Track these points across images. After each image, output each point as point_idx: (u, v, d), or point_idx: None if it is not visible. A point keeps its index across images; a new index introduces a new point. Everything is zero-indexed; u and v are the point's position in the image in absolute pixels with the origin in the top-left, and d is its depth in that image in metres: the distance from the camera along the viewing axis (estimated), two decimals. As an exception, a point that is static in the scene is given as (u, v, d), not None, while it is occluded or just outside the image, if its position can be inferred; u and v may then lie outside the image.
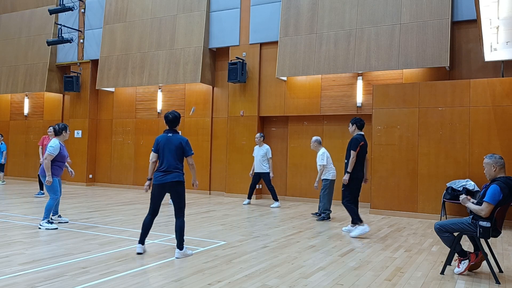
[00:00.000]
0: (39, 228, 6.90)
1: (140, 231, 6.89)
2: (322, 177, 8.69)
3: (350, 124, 7.34)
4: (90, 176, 14.78)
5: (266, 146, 10.60)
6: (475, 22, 9.28)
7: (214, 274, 4.67)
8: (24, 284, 4.13)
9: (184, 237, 5.44)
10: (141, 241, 5.48)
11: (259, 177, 10.56)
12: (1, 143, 13.73)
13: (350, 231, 7.18)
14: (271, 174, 10.46)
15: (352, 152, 6.99)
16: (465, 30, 9.85)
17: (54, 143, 6.99)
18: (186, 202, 10.74)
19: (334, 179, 8.78)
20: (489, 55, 8.84)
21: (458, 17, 9.77)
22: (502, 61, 9.25)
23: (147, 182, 5.59)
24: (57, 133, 7.18)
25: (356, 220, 7.02)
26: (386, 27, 10.17)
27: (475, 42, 9.67)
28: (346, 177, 7.01)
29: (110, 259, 5.14)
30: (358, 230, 6.94)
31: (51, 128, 10.66)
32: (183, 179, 5.41)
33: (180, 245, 5.34)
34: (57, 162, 7.06)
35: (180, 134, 5.60)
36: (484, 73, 9.58)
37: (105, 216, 8.39)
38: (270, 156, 10.54)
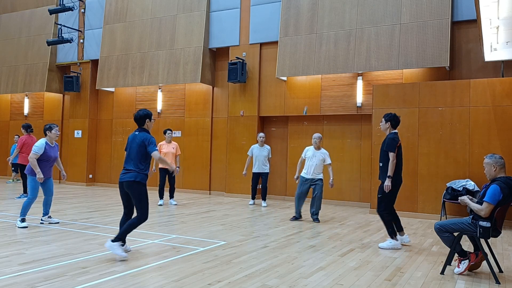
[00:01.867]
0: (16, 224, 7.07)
1: (140, 231, 6.92)
2: (319, 177, 8.44)
3: (384, 121, 6.39)
4: (90, 176, 14.78)
5: (268, 147, 10.63)
6: (475, 22, 9.28)
7: (214, 274, 4.67)
8: (24, 284, 4.13)
9: (128, 236, 5.37)
10: (116, 239, 5.20)
11: (259, 176, 10.56)
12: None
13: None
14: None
15: (391, 154, 6.14)
16: (465, 30, 9.85)
17: (39, 143, 7.11)
18: (186, 202, 10.81)
19: None
20: (489, 55, 8.84)
21: (458, 17, 9.77)
22: (502, 61, 9.25)
23: None
24: (44, 133, 7.32)
25: (390, 232, 6.26)
26: (386, 27, 10.16)
27: (475, 42, 9.67)
28: (388, 182, 6.15)
29: (110, 259, 5.14)
30: (389, 243, 6.22)
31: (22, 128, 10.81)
32: (140, 179, 5.21)
33: (117, 237, 5.16)
34: (42, 161, 7.08)
35: (147, 132, 5.40)
36: (484, 73, 9.58)
37: (105, 216, 8.38)
38: (270, 156, 10.66)
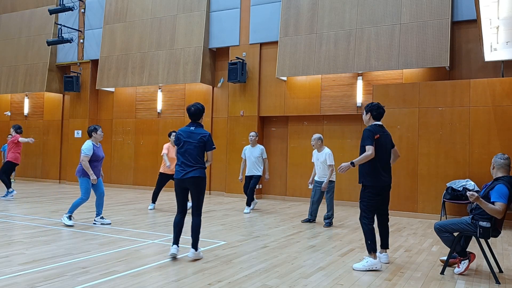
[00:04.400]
0: (61, 220, 7.29)
1: (140, 231, 6.92)
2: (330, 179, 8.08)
3: (364, 112, 5.43)
4: (90, 176, 14.75)
5: (260, 147, 9.53)
6: (475, 22, 9.28)
7: (214, 274, 4.67)
8: (24, 284, 4.13)
9: (199, 237, 5.34)
10: (176, 242, 5.32)
11: (251, 179, 9.42)
12: None
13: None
14: (266, 176, 9.49)
15: (368, 147, 5.07)
16: (465, 30, 9.85)
17: (87, 144, 7.26)
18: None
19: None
20: (489, 55, 8.84)
21: (458, 17, 9.77)
22: (502, 61, 9.25)
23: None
24: (88, 135, 7.47)
25: (369, 247, 5.10)
26: (386, 27, 10.17)
27: (475, 42, 9.67)
28: (347, 165, 5.14)
29: (110, 259, 5.14)
30: (367, 262, 5.03)
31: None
32: (204, 174, 5.30)
33: (195, 245, 5.26)
34: (93, 162, 7.26)
35: (203, 128, 5.41)
36: (484, 73, 9.58)
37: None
38: (266, 156, 9.51)
